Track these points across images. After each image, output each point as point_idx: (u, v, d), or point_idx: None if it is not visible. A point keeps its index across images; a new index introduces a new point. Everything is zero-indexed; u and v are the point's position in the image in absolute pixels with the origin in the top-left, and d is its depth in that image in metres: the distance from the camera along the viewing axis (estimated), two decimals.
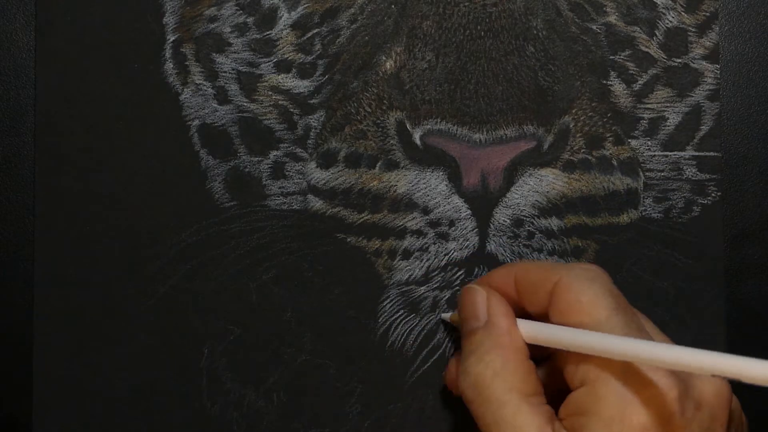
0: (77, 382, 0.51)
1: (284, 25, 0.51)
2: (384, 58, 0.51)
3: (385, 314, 0.51)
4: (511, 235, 0.50)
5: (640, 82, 0.51)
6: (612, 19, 0.51)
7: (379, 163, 0.51)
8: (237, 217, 0.51)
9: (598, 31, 0.51)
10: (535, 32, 0.50)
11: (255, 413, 0.51)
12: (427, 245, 0.51)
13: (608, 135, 0.51)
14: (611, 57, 0.51)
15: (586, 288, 0.41)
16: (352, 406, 0.51)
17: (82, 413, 0.51)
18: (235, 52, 0.52)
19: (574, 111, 0.51)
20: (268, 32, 0.51)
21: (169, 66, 0.52)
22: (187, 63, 0.52)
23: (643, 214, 0.51)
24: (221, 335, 0.51)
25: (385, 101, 0.50)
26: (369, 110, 0.51)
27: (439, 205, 0.50)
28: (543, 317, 0.43)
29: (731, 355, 0.34)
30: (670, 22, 0.52)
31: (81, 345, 0.51)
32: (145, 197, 0.51)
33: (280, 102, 0.51)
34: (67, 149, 0.51)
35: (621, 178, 0.51)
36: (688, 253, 0.51)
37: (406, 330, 0.51)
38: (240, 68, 0.52)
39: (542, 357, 0.45)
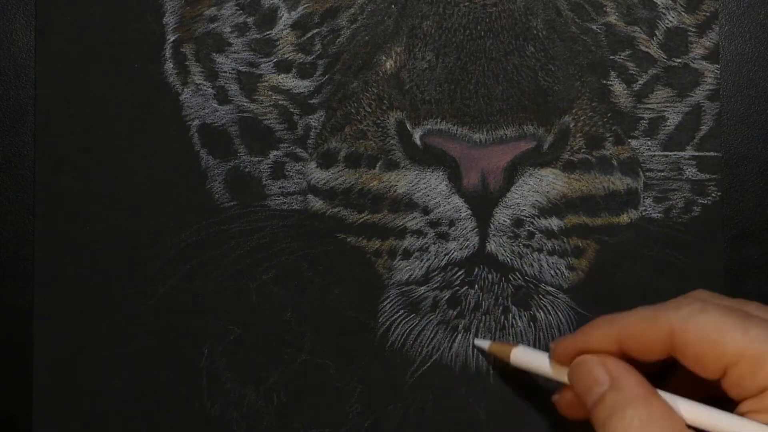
0: (77, 382, 0.51)
1: (284, 25, 0.51)
2: (384, 58, 0.51)
3: (385, 314, 0.51)
4: (511, 235, 0.50)
5: (640, 82, 0.51)
6: (612, 19, 0.51)
7: (379, 163, 0.51)
8: (237, 217, 0.51)
9: (598, 31, 0.51)
10: (535, 32, 0.50)
11: (255, 413, 0.51)
12: (427, 245, 0.51)
13: (608, 135, 0.51)
14: (611, 57, 0.51)
15: (704, 320, 0.40)
16: (352, 406, 0.51)
17: (82, 413, 0.51)
18: (235, 52, 0.52)
19: (574, 111, 0.51)
20: (268, 32, 0.51)
21: (169, 66, 0.52)
22: (187, 63, 0.52)
23: (643, 214, 0.51)
24: (221, 335, 0.51)
25: (385, 101, 0.50)
26: (369, 110, 0.51)
27: (439, 205, 0.50)
28: (657, 365, 0.43)
29: None
30: (670, 22, 0.52)
31: (81, 345, 0.51)
32: (145, 197, 0.51)
33: (280, 102, 0.51)
34: (67, 149, 0.51)
35: (621, 178, 0.51)
36: (688, 253, 0.51)
37: (406, 330, 0.51)
38: (240, 68, 0.52)
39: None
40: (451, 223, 0.50)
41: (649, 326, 0.42)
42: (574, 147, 0.51)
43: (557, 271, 0.51)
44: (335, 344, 0.51)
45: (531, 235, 0.51)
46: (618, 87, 0.51)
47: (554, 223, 0.51)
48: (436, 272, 0.51)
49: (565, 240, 0.51)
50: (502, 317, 0.51)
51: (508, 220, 0.50)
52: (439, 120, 0.50)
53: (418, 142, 0.50)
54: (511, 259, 0.50)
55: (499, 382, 0.51)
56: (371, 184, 0.51)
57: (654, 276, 0.51)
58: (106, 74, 0.51)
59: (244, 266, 0.51)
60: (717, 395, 0.42)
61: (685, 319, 0.41)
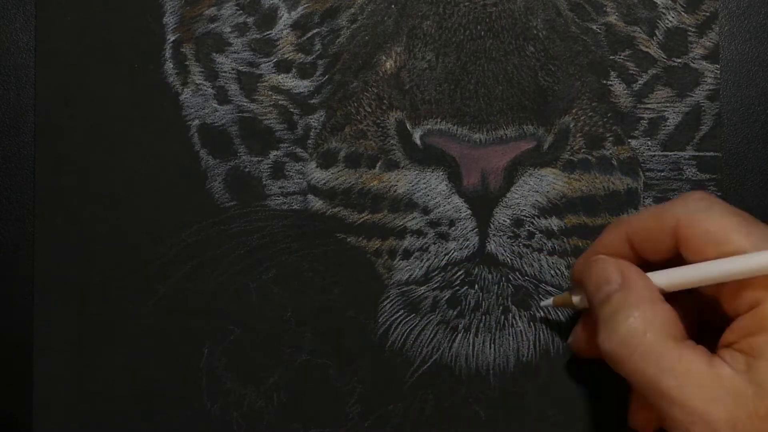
0: (77, 382, 0.51)
1: (284, 25, 0.51)
2: (384, 58, 0.51)
3: (385, 314, 0.51)
4: (511, 235, 0.50)
5: (640, 82, 0.51)
6: (612, 19, 0.51)
7: (379, 163, 0.51)
8: (237, 217, 0.51)
9: (598, 31, 0.51)
10: (535, 32, 0.50)
11: (255, 413, 0.51)
12: (427, 245, 0.51)
13: (608, 135, 0.51)
14: (611, 57, 0.51)
15: (709, 217, 0.41)
16: (352, 406, 0.51)
17: (82, 413, 0.51)
18: (235, 52, 0.52)
19: (574, 111, 0.51)
20: (268, 32, 0.51)
21: (169, 66, 0.52)
22: (187, 63, 0.52)
23: None
24: (221, 335, 0.51)
25: (385, 101, 0.50)
26: (369, 110, 0.51)
27: (439, 205, 0.50)
28: (667, 264, 0.43)
29: None
30: (670, 22, 0.52)
31: (81, 345, 0.51)
32: (145, 197, 0.51)
33: (280, 102, 0.51)
34: (67, 149, 0.51)
35: (621, 178, 0.51)
36: None
37: (406, 330, 0.51)
38: (240, 68, 0.52)
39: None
40: (451, 223, 0.50)
41: (656, 221, 0.43)
42: (574, 147, 0.51)
43: (557, 271, 0.51)
44: (335, 344, 0.51)
45: (531, 235, 0.51)
46: (618, 87, 0.51)
47: (554, 223, 0.51)
48: (436, 272, 0.51)
49: (565, 240, 0.51)
50: (502, 317, 0.51)
51: (508, 220, 0.50)
52: (439, 120, 0.50)
53: (418, 142, 0.50)
54: (511, 259, 0.50)
55: (500, 382, 0.51)
56: (371, 184, 0.51)
57: None
58: (106, 74, 0.51)
59: (244, 266, 0.51)
60: (717, 314, 0.42)
61: (691, 214, 0.42)
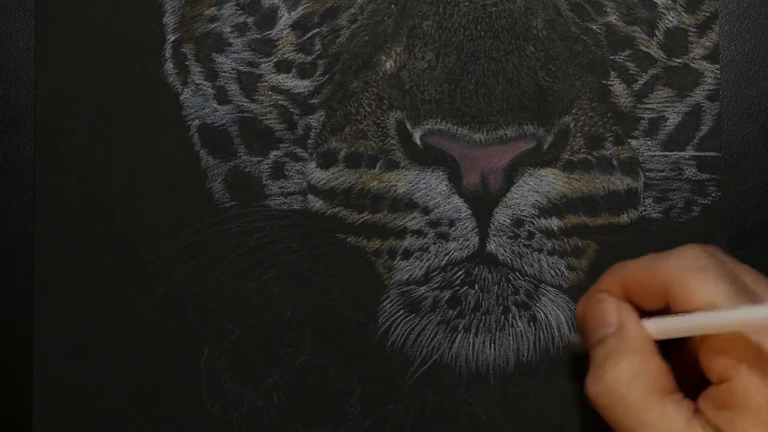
0: (77, 382, 0.51)
1: (284, 25, 0.51)
2: (384, 58, 0.51)
3: (385, 314, 0.51)
4: (511, 235, 0.50)
5: (640, 82, 0.51)
6: (612, 19, 0.51)
7: (379, 163, 0.51)
8: (237, 217, 0.51)
9: (598, 31, 0.51)
10: (535, 32, 0.50)
11: (255, 413, 0.51)
12: (427, 245, 0.51)
13: (608, 135, 0.51)
14: (611, 57, 0.51)
15: (700, 280, 0.40)
16: (352, 406, 0.51)
17: (82, 413, 0.51)
18: (235, 52, 0.52)
19: (574, 111, 0.51)
20: (268, 32, 0.51)
21: (169, 66, 0.52)
22: (187, 63, 0.52)
23: (643, 214, 0.51)
24: (221, 335, 0.51)
25: (385, 101, 0.50)
26: (369, 110, 0.51)
27: (439, 205, 0.50)
28: (662, 314, 0.42)
29: None
30: (670, 22, 0.52)
31: (81, 345, 0.51)
32: (145, 197, 0.51)
33: (280, 102, 0.51)
34: (67, 149, 0.51)
35: (621, 178, 0.51)
36: None
37: (406, 330, 0.51)
38: (240, 68, 0.52)
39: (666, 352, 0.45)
40: (451, 223, 0.50)
41: (649, 274, 0.42)
42: (574, 147, 0.51)
43: (557, 271, 0.51)
44: (335, 344, 0.51)
45: (531, 235, 0.51)
46: (618, 87, 0.51)
47: (554, 223, 0.51)
48: (436, 272, 0.51)
49: (565, 240, 0.51)
50: (502, 317, 0.51)
51: (508, 220, 0.50)
52: (439, 120, 0.50)
53: (418, 142, 0.50)
54: (511, 259, 0.50)
55: (500, 382, 0.51)
56: (371, 184, 0.51)
57: None
58: (106, 74, 0.51)
59: (244, 266, 0.51)
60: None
61: (681, 272, 0.41)
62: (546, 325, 0.51)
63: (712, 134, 0.52)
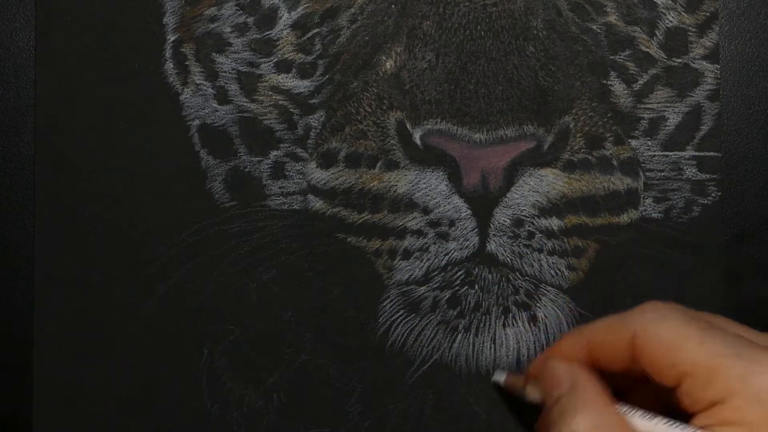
0: (77, 382, 0.51)
1: (284, 25, 0.51)
2: (384, 58, 0.51)
3: (385, 314, 0.51)
4: (511, 235, 0.50)
5: (640, 82, 0.51)
6: (612, 19, 0.51)
7: (379, 163, 0.51)
8: (237, 217, 0.51)
9: (598, 31, 0.51)
10: (535, 32, 0.50)
11: (255, 413, 0.51)
12: (427, 245, 0.51)
13: (608, 135, 0.51)
14: (611, 57, 0.51)
15: (664, 326, 0.41)
16: (352, 406, 0.51)
17: (82, 413, 0.51)
18: (235, 52, 0.52)
19: (574, 111, 0.51)
20: (268, 32, 0.51)
21: (169, 66, 0.52)
22: (187, 63, 0.52)
23: (643, 214, 0.51)
24: (221, 335, 0.51)
25: (385, 101, 0.50)
26: (369, 110, 0.51)
27: (439, 205, 0.50)
28: (622, 374, 0.43)
29: None
30: (670, 22, 0.52)
31: (81, 345, 0.51)
32: (145, 197, 0.51)
33: (280, 102, 0.51)
34: (67, 149, 0.51)
35: (621, 178, 0.51)
36: (688, 253, 0.51)
37: (406, 330, 0.51)
38: (240, 68, 0.52)
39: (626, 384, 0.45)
40: (451, 223, 0.50)
41: (614, 333, 0.43)
42: (574, 147, 0.51)
43: (557, 271, 0.51)
44: (335, 344, 0.51)
45: (531, 235, 0.51)
46: (618, 87, 0.51)
47: (554, 223, 0.51)
48: (436, 272, 0.51)
49: (565, 240, 0.51)
50: (502, 317, 0.51)
51: (508, 220, 0.50)
52: (439, 120, 0.50)
53: (418, 142, 0.50)
54: (511, 259, 0.50)
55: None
56: (371, 184, 0.51)
57: (654, 276, 0.51)
58: (106, 74, 0.52)
59: (244, 266, 0.51)
60: (678, 409, 0.42)
61: (646, 324, 0.41)
62: (546, 325, 0.51)
63: (712, 134, 0.52)
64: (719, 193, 0.51)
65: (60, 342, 0.51)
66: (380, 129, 0.51)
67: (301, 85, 0.51)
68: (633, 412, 0.42)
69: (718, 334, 0.40)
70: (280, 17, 0.51)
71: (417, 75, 0.50)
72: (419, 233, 0.51)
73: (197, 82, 0.52)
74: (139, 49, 0.52)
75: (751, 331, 0.43)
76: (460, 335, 0.51)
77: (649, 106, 0.52)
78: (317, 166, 0.51)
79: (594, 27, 0.51)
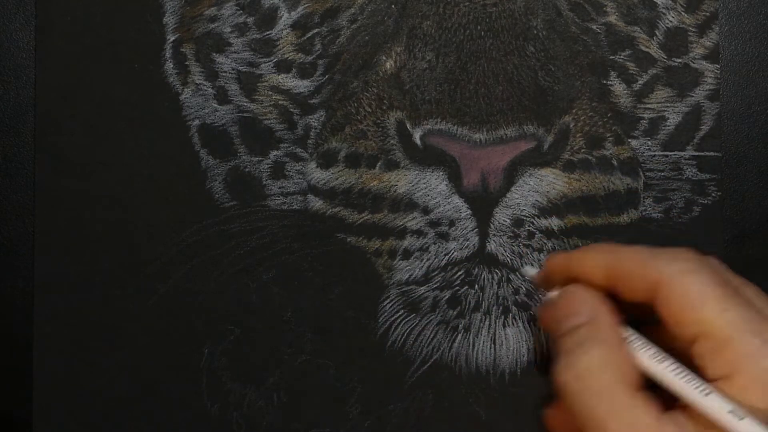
0: (77, 382, 0.51)
1: (284, 25, 0.51)
2: (384, 58, 0.51)
3: (385, 314, 0.51)
4: (512, 235, 0.50)
5: (640, 82, 0.51)
6: (612, 19, 0.51)
7: (379, 163, 0.51)
8: (237, 217, 0.51)
9: (599, 31, 0.51)
10: (535, 32, 0.50)
11: (255, 413, 0.51)
12: (427, 245, 0.51)
13: (608, 135, 0.51)
14: (611, 57, 0.51)
15: (692, 281, 0.40)
16: (352, 406, 0.51)
17: (82, 413, 0.51)
18: (235, 52, 0.52)
19: (574, 111, 0.51)
20: (268, 32, 0.51)
21: (169, 66, 0.52)
22: (187, 63, 0.52)
23: (643, 214, 0.51)
24: (221, 335, 0.51)
25: (385, 101, 0.50)
26: (369, 110, 0.51)
27: (439, 205, 0.50)
28: (638, 306, 0.42)
29: None
30: (670, 22, 0.52)
31: (81, 345, 0.51)
32: (145, 197, 0.51)
33: (280, 102, 0.51)
34: (67, 149, 0.51)
35: (621, 178, 0.51)
36: None
37: (406, 330, 0.51)
38: (240, 68, 0.52)
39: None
40: (451, 223, 0.50)
41: (639, 269, 0.42)
42: (574, 147, 0.51)
43: None
44: (335, 344, 0.51)
45: (531, 235, 0.51)
46: (618, 87, 0.51)
47: (554, 223, 0.51)
48: (436, 272, 0.51)
49: (565, 240, 0.51)
50: (502, 317, 0.51)
51: (508, 220, 0.50)
52: (439, 120, 0.50)
53: (418, 142, 0.50)
54: (511, 259, 0.50)
55: (499, 383, 0.51)
56: (371, 184, 0.51)
57: None
58: (106, 74, 0.51)
59: (244, 266, 0.51)
60: (686, 354, 0.41)
61: (674, 274, 0.40)
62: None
63: (712, 134, 0.52)
64: (719, 193, 0.51)
65: (60, 342, 0.51)
66: (380, 129, 0.51)
67: (301, 85, 0.51)
68: (645, 349, 0.42)
69: (742, 304, 0.40)
70: (280, 17, 0.51)
71: (417, 75, 0.50)
72: (419, 233, 0.51)
73: (197, 82, 0.52)
74: (139, 49, 0.52)
75: None
76: (460, 335, 0.51)
77: (649, 106, 0.52)
78: (317, 166, 0.51)
79: (594, 27, 0.51)
